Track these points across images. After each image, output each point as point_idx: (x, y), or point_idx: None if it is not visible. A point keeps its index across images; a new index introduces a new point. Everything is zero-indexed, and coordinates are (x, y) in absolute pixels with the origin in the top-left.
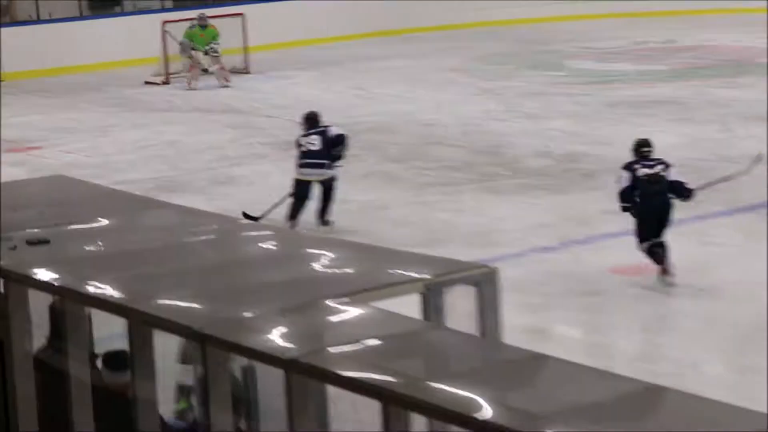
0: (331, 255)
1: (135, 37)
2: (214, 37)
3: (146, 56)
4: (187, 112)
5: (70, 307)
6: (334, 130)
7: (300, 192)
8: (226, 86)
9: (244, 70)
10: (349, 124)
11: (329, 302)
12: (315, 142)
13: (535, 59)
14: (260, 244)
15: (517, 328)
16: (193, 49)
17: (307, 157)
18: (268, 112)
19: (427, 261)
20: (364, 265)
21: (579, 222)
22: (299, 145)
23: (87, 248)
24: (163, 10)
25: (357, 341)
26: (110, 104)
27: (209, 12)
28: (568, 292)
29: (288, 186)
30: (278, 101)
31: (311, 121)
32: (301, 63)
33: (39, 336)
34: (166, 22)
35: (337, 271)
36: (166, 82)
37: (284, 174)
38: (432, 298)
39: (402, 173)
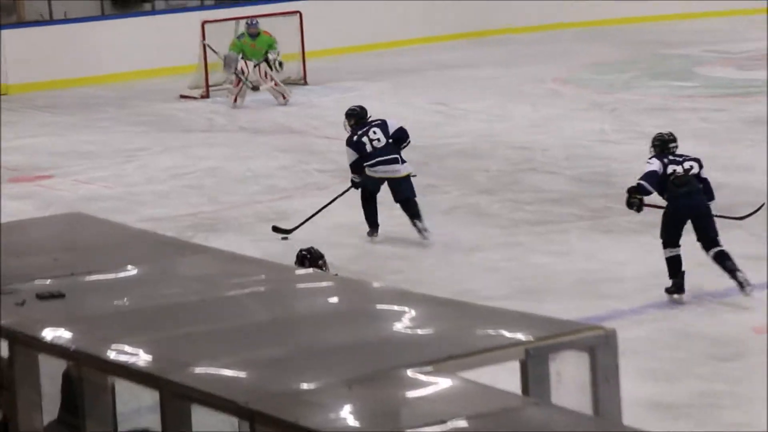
0: (409, 312)
1: (168, 41)
2: (271, 45)
3: (181, 64)
4: (231, 132)
5: (88, 375)
6: (393, 122)
7: (372, 187)
8: (284, 104)
9: (301, 81)
10: (428, 147)
11: (407, 372)
12: (380, 137)
13: (656, 66)
14: (320, 298)
15: (639, 402)
16: (244, 58)
17: (376, 155)
18: (329, 132)
19: (527, 320)
20: (450, 326)
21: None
22: (358, 144)
23: (109, 304)
24: (203, 7)
25: (442, 421)
26: (137, 123)
27: (257, 9)
28: (702, 358)
29: (357, 223)
30: (341, 119)
31: (359, 116)
32: (368, 72)
33: (50, 410)
34: (205, 22)
35: (416, 332)
36: (205, 96)
37: (350, 208)
38: (534, 367)
39: (492, 207)
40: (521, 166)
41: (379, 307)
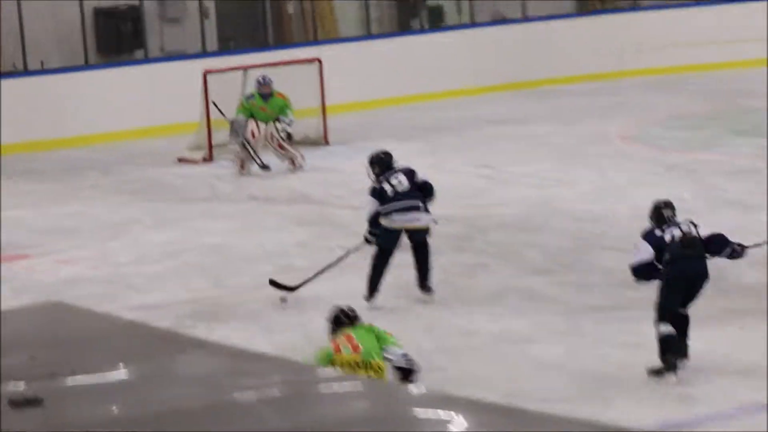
0: (451, 422)
1: (163, 94)
2: (283, 110)
3: (179, 122)
4: (238, 202)
5: None
6: (418, 174)
7: (388, 243)
8: (298, 170)
9: (321, 141)
10: (472, 218)
11: None
12: (403, 182)
13: (740, 120)
14: (347, 405)
15: None
16: (253, 117)
17: (396, 200)
18: (354, 201)
19: (593, 430)
20: None
21: None
22: (381, 192)
23: (96, 411)
24: (205, 54)
25: None
26: (126, 192)
27: (268, 55)
28: None
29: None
30: (368, 185)
31: (384, 162)
32: (400, 129)
33: None
34: (208, 72)
35: None
36: (208, 160)
37: (381, 289)
38: None
39: (550, 291)
40: (584, 242)
41: (416, 415)
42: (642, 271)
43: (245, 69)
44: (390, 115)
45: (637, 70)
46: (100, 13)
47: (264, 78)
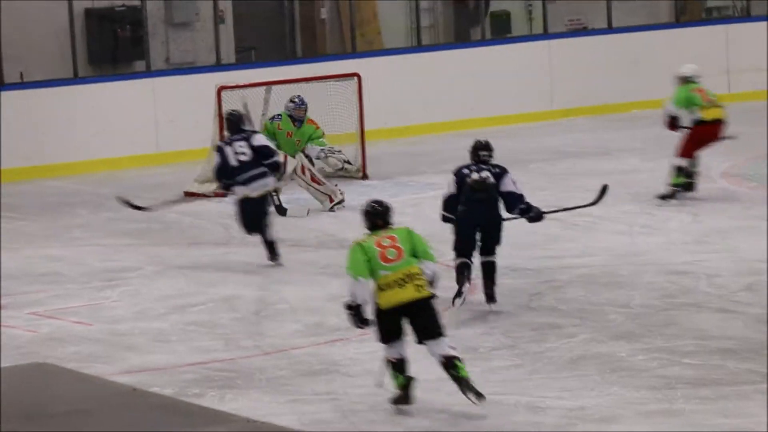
0: None
1: (168, 113)
2: (312, 138)
3: (187, 148)
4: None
5: None
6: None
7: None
8: (339, 207)
9: (358, 174)
10: (543, 271)
11: None
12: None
13: None
14: None
15: None
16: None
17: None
18: None
19: None
20: None
21: None
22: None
23: None
24: (219, 67)
25: None
26: (122, 232)
27: (297, 70)
28: None
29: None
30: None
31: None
32: (454, 160)
33: None
34: (222, 88)
35: None
36: (221, 195)
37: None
38: None
39: (635, 359)
40: (678, 300)
41: None
42: (446, 206)
43: (268, 85)
44: (442, 144)
45: (748, 93)
46: (92, 16)
47: (301, 99)
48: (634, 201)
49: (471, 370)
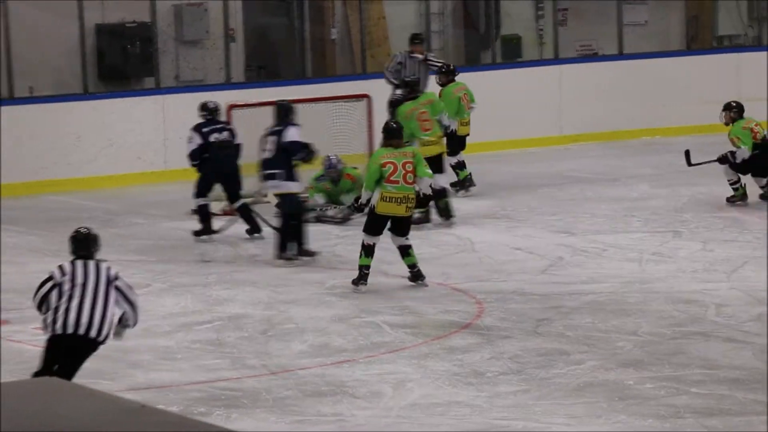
0: None
1: (178, 130)
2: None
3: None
4: (265, 266)
5: None
6: None
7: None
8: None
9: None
10: (550, 297)
11: None
12: None
13: None
14: None
15: None
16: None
17: None
18: (403, 269)
19: None
20: None
21: None
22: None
23: None
24: (229, 86)
25: None
26: (129, 250)
27: (307, 90)
28: None
29: None
30: (418, 249)
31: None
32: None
33: None
34: (233, 107)
35: None
36: (229, 213)
37: (437, 378)
38: None
39: (643, 388)
40: (686, 329)
41: None
42: (194, 156)
43: (278, 103)
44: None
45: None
46: (103, 32)
47: (332, 159)
48: (642, 227)
49: (477, 395)
